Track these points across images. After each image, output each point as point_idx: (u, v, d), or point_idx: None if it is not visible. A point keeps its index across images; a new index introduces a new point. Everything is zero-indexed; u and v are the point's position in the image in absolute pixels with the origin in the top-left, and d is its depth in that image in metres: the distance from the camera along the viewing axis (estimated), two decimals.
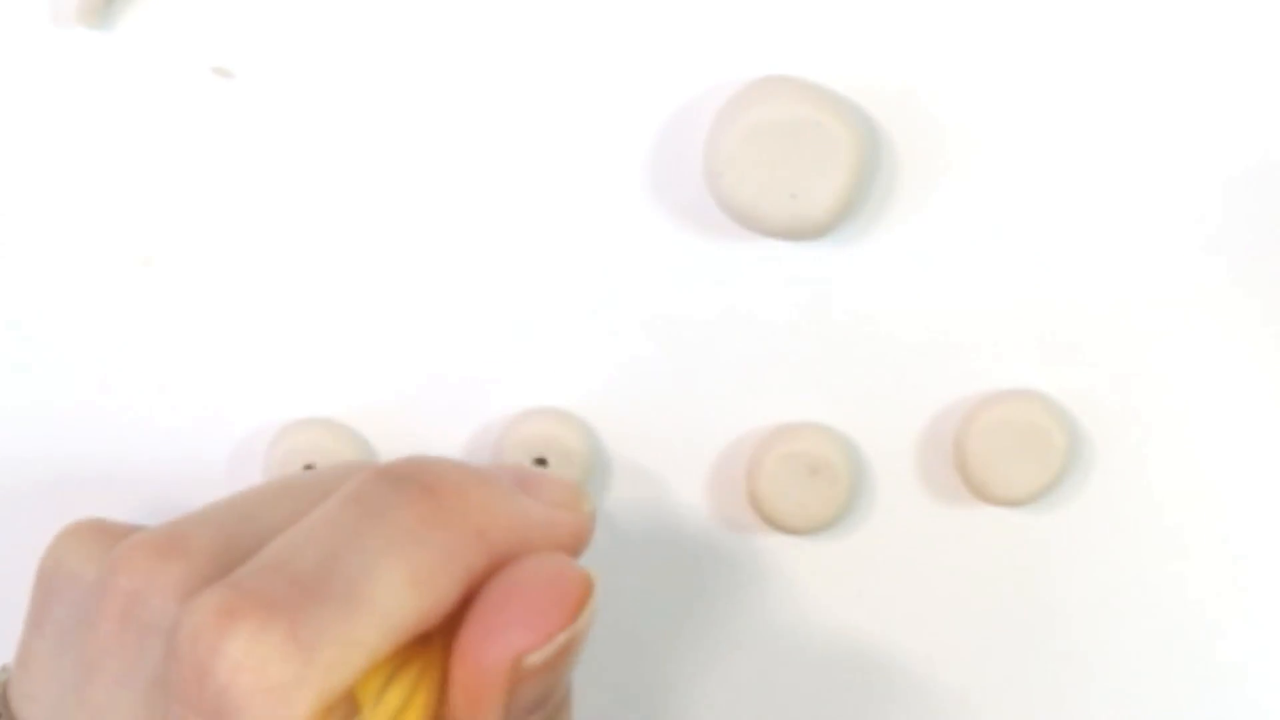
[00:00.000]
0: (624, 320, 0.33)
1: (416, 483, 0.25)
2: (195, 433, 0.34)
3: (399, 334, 0.33)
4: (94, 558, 0.27)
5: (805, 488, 0.33)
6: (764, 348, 0.33)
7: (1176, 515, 0.34)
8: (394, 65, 0.32)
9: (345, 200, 0.33)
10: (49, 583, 0.28)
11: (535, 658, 0.24)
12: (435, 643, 0.25)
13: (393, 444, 0.34)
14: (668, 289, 0.33)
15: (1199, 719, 0.35)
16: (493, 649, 0.24)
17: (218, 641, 0.23)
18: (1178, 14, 0.31)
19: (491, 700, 0.24)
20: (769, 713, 0.37)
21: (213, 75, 0.32)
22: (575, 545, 0.27)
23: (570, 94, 0.32)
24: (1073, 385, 0.33)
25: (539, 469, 0.27)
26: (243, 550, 0.25)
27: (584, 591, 0.24)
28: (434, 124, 0.32)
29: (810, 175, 0.30)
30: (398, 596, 0.24)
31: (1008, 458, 0.33)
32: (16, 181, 0.33)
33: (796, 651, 0.36)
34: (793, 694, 0.36)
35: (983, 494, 0.33)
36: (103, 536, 0.28)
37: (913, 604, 0.35)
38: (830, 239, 0.32)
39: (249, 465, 0.34)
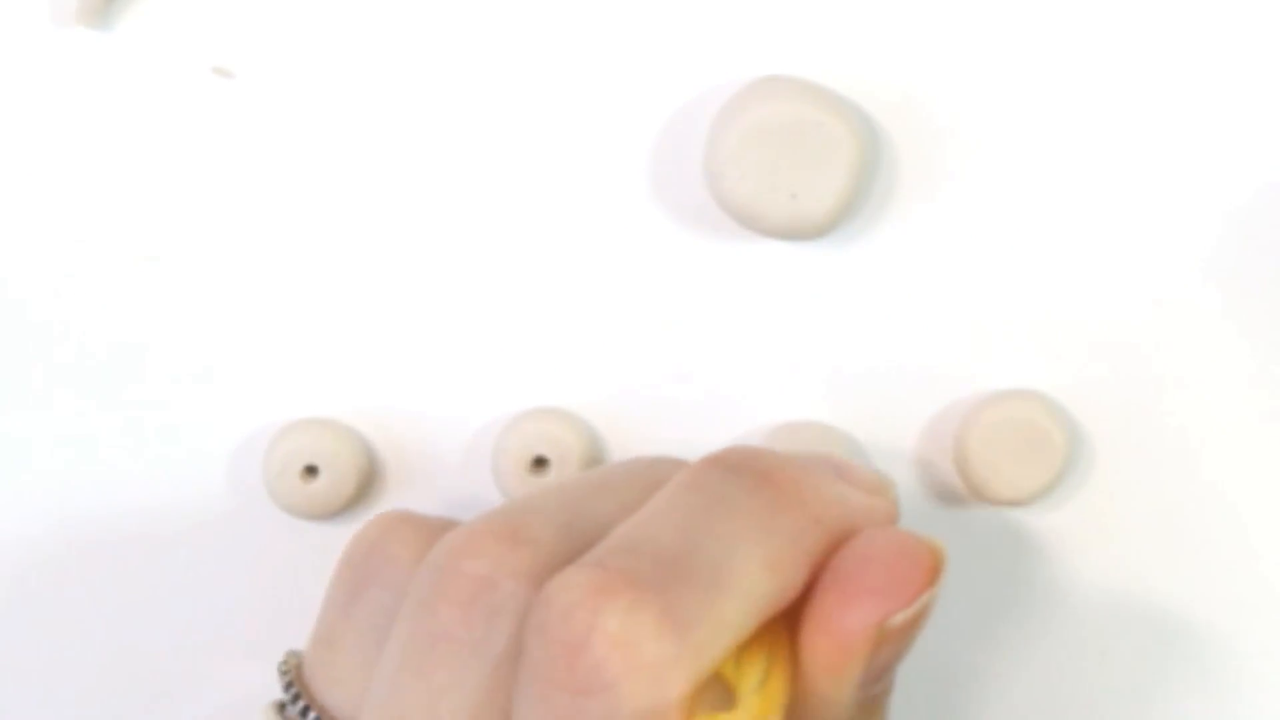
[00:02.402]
0: (624, 320, 0.33)
1: (753, 471, 0.26)
2: (195, 433, 0.34)
3: (399, 334, 0.33)
4: (413, 545, 0.28)
5: None
6: (764, 348, 0.33)
7: (1176, 515, 0.34)
8: (394, 65, 0.32)
9: (345, 200, 0.33)
10: (362, 567, 0.28)
11: (899, 619, 0.24)
12: (776, 624, 0.25)
13: (393, 444, 0.34)
14: (668, 289, 0.33)
15: (1199, 716, 0.35)
16: (857, 613, 0.24)
17: (591, 618, 0.23)
18: (1176, 14, 0.31)
19: (852, 666, 0.24)
20: None
21: (213, 75, 0.32)
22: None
23: (570, 94, 0.32)
24: (1073, 385, 0.33)
25: (848, 459, 0.28)
26: (582, 539, 0.25)
27: (937, 558, 0.25)
28: (434, 124, 0.32)
29: (810, 175, 0.30)
30: (756, 579, 0.24)
31: (1008, 458, 0.33)
32: (17, 181, 0.33)
33: None
34: None
35: (983, 494, 0.33)
36: (419, 526, 0.28)
37: None
38: (830, 239, 0.32)
39: (249, 465, 0.34)
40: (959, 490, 0.34)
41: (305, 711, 0.28)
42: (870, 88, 0.31)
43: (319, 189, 0.33)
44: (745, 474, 0.26)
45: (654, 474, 0.28)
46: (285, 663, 0.29)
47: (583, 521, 0.26)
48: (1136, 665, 0.35)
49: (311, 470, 0.33)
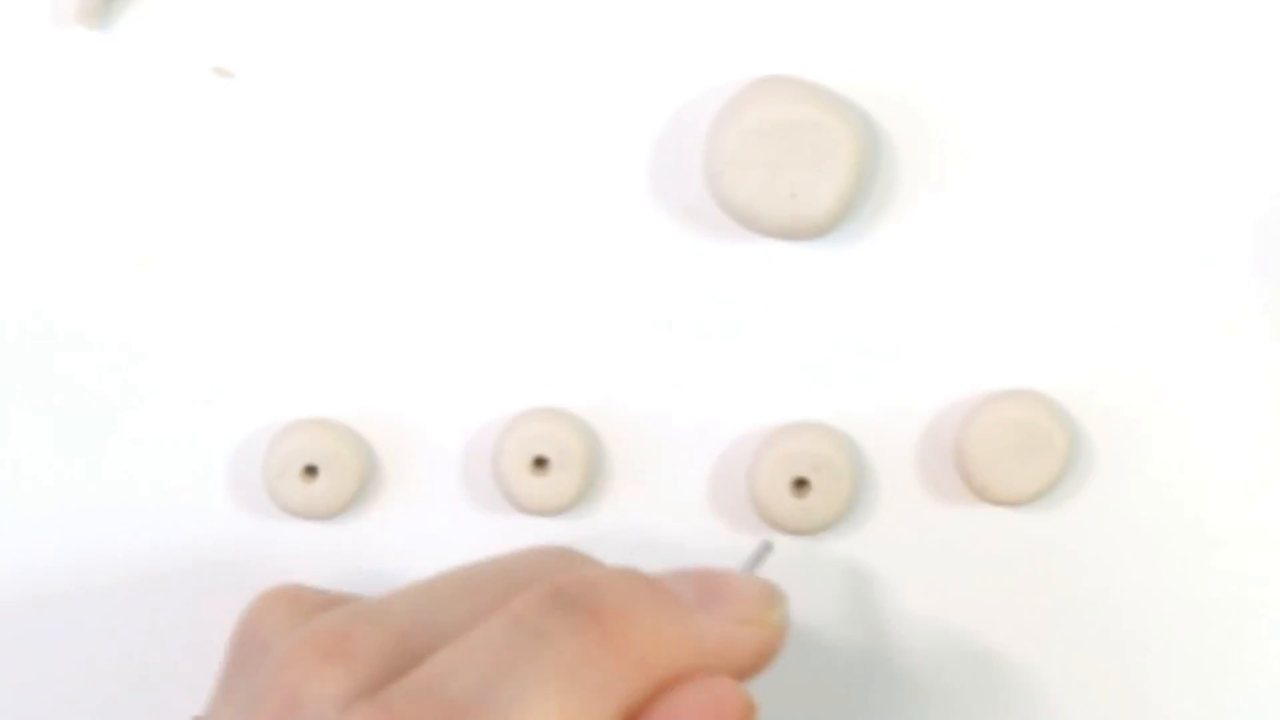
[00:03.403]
0: (624, 320, 0.33)
1: (582, 607, 0.25)
2: (195, 433, 0.34)
3: (399, 334, 0.33)
4: (282, 631, 0.27)
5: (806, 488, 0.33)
6: (764, 348, 0.33)
7: (1176, 515, 0.34)
8: (394, 65, 0.32)
9: (345, 200, 0.33)
10: (238, 650, 0.29)
11: None
12: None
13: (393, 444, 0.34)
14: (668, 289, 0.33)
15: (1199, 717, 0.35)
16: None
17: None
18: (1176, 14, 0.31)
19: None
20: (767, 713, 0.37)
21: (213, 75, 0.32)
22: (757, 661, 0.26)
23: (570, 94, 0.32)
24: (1073, 385, 0.33)
25: (731, 573, 0.27)
26: (412, 653, 0.25)
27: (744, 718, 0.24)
28: (434, 124, 0.32)
29: (810, 175, 0.30)
30: None
31: (1008, 458, 0.33)
32: (16, 181, 0.33)
33: (796, 651, 0.36)
34: (792, 693, 0.36)
35: (983, 494, 0.33)
36: (294, 610, 0.28)
37: (913, 604, 0.35)
38: (830, 239, 0.32)
39: (249, 465, 0.34)
40: (959, 490, 0.34)
41: None
42: (870, 88, 0.31)
43: (319, 189, 0.33)
44: (572, 610, 0.25)
45: (520, 580, 0.27)
46: None
47: (422, 632, 0.26)
48: (1136, 665, 0.35)
49: (311, 470, 0.33)
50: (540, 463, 0.33)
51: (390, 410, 0.34)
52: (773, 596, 0.27)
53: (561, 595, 0.25)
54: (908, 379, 0.33)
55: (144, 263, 0.33)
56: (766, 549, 0.30)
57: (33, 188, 0.33)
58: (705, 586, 0.27)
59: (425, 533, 0.34)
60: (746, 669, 0.26)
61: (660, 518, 0.35)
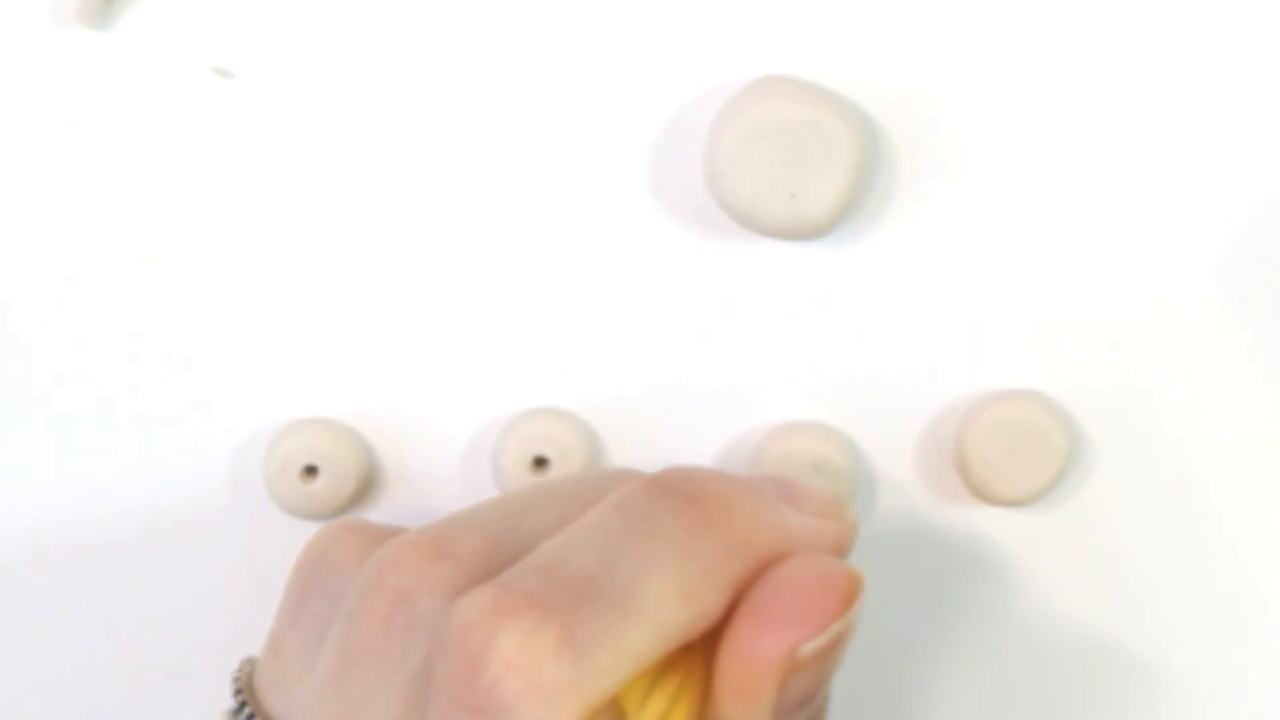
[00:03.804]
0: (624, 320, 0.33)
1: (683, 493, 0.25)
2: (195, 433, 0.34)
3: (399, 334, 0.33)
4: (356, 554, 0.28)
5: None
6: (764, 348, 0.33)
7: (1176, 515, 0.34)
8: (394, 66, 0.32)
9: (345, 200, 0.33)
10: (309, 576, 0.29)
11: (810, 647, 0.24)
12: (696, 650, 0.25)
13: (393, 444, 0.34)
14: (668, 289, 0.33)
15: (1199, 716, 0.35)
16: (767, 641, 0.24)
17: (490, 638, 0.23)
18: (1176, 14, 0.31)
19: (763, 694, 0.24)
20: None
21: (213, 75, 0.32)
22: (837, 553, 0.27)
23: (570, 94, 0.32)
24: (1073, 385, 0.33)
25: (803, 480, 0.28)
26: (508, 554, 0.25)
27: (853, 585, 0.25)
28: (434, 124, 0.32)
29: (810, 175, 0.30)
30: (668, 606, 0.24)
31: (1008, 458, 0.33)
32: (16, 181, 0.33)
33: None
34: None
35: (983, 494, 0.33)
36: (366, 534, 0.28)
37: (912, 604, 0.35)
38: (830, 239, 0.32)
39: (249, 465, 0.34)
40: (959, 490, 0.34)
41: (250, 717, 0.28)
42: (870, 88, 0.31)
43: (319, 189, 0.33)
44: (674, 495, 0.25)
45: (599, 488, 0.27)
46: (239, 670, 0.29)
47: (514, 536, 0.26)
48: (1136, 665, 0.35)
49: (311, 470, 0.33)
50: (540, 462, 0.33)
51: (390, 410, 0.34)
52: (842, 499, 0.27)
53: (661, 484, 0.26)
54: (908, 379, 0.33)
55: (144, 262, 0.33)
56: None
57: (33, 187, 0.33)
58: (783, 486, 0.27)
59: None
60: None
61: None
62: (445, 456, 0.34)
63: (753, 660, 0.24)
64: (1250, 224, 0.32)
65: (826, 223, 0.31)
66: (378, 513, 0.34)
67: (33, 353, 0.34)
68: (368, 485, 0.34)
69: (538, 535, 0.26)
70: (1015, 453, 0.33)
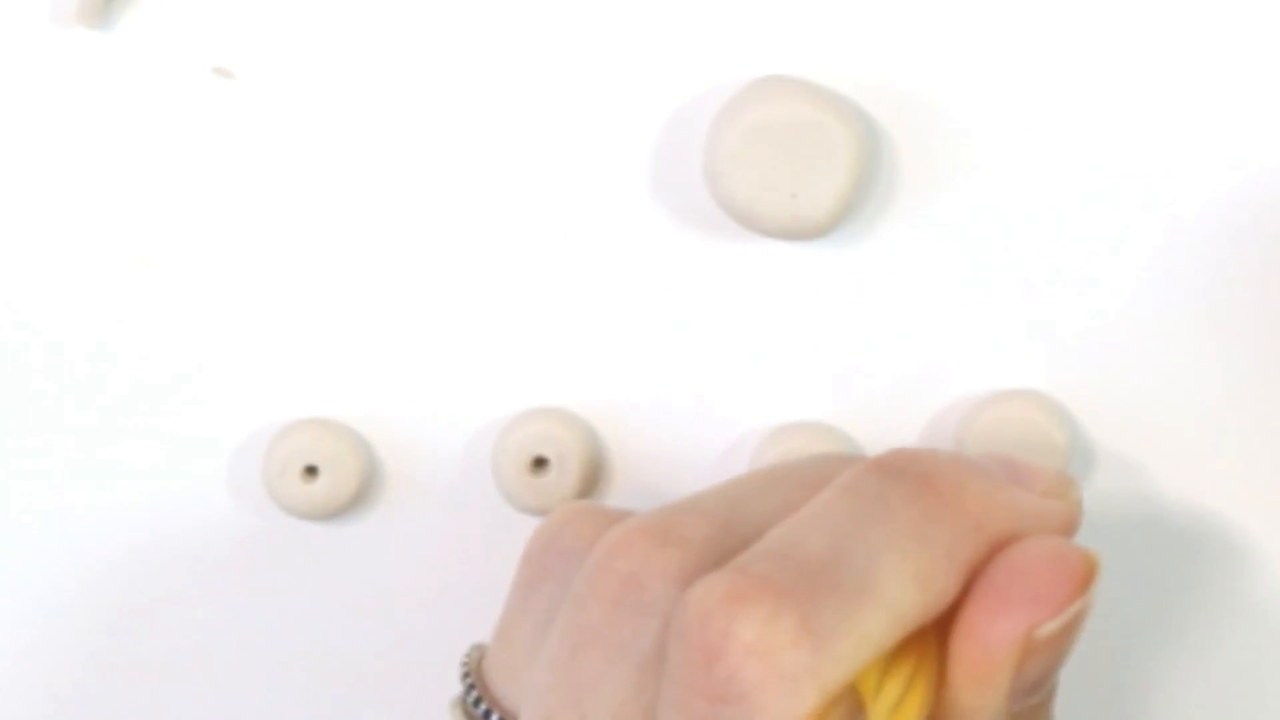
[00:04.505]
0: (624, 320, 0.33)
1: (913, 475, 0.25)
2: (195, 433, 0.34)
3: (399, 334, 0.33)
4: (586, 539, 0.27)
5: None
6: (764, 348, 0.33)
7: (1177, 516, 0.34)
8: (394, 65, 0.32)
9: (345, 200, 0.33)
10: (540, 561, 0.28)
11: (1048, 629, 0.24)
12: (928, 635, 0.25)
13: (393, 444, 0.34)
14: (668, 289, 0.33)
15: (1199, 718, 0.35)
16: (1004, 624, 0.24)
17: (729, 625, 0.23)
18: (1177, 14, 0.31)
19: (1000, 678, 0.24)
20: None
21: (213, 75, 0.32)
22: (1066, 533, 0.27)
23: (570, 94, 0.32)
24: (1073, 385, 0.33)
25: (1026, 459, 0.28)
26: (737, 540, 0.25)
27: (1090, 567, 0.25)
28: (434, 124, 0.32)
29: (810, 175, 0.30)
30: (904, 591, 0.24)
31: None
32: (16, 181, 0.33)
33: None
34: None
35: None
36: (597, 519, 0.28)
37: None
38: (830, 239, 0.32)
39: (249, 465, 0.34)
40: None
41: (478, 703, 0.28)
42: (870, 88, 0.31)
43: (319, 189, 0.33)
44: (906, 478, 0.25)
45: (821, 473, 0.27)
46: (467, 656, 0.29)
47: (742, 520, 0.26)
48: (1135, 666, 0.35)
49: (311, 470, 0.33)
50: (540, 463, 0.33)
51: (390, 410, 0.34)
52: (1068, 478, 0.27)
53: (890, 466, 0.25)
54: (908, 379, 0.33)
55: (144, 262, 0.33)
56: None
57: (32, 187, 0.33)
58: (1010, 466, 0.27)
59: (425, 533, 0.34)
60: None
61: None
62: (445, 456, 0.34)
63: (989, 643, 0.24)
64: (1250, 224, 0.32)
65: (826, 223, 0.31)
66: (377, 513, 0.34)
67: (31, 352, 0.34)
68: (368, 485, 0.34)
69: (764, 521, 0.25)
70: (1015, 453, 0.33)
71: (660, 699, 0.24)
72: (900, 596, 0.24)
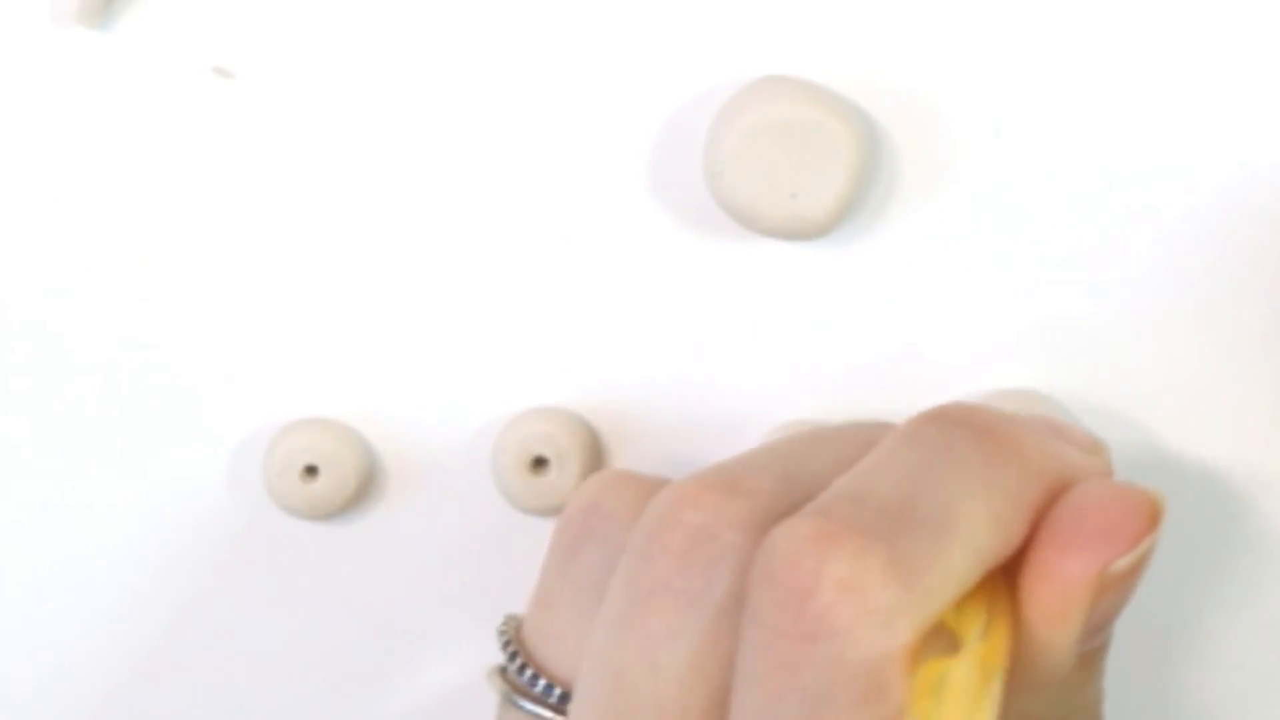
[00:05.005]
0: (624, 320, 0.33)
1: (973, 425, 0.25)
2: (195, 433, 0.34)
3: (399, 333, 0.33)
4: (630, 501, 0.28)
5: None
6: (764, 348, 0.33)
7: (1177, 516, 0.34)
8: (394, 65, 0.32)
9: (345, 200, 0.33)
10: (579, 526, 0.28)
11: (1121, 564, 0.24)
12: (996, 580, 0.25)
13: (393, 444, 0.34)
14: (668, 289, 0.33)
15: (1198, 717, 0.35)
16: (1078, 560, 0.24)
17: (819, 565, 0.23)
18: (1178, 14, 0.31)
19: (1075, 614, 0.25)
20: None
21: (213, 75, 0.32)
22: None
23: (570, 94, 0.32)
24: (1072, 385, 0.33)
25: (1063, 420, 0.28)
26: (801, 492, 0.25)
27: (1156, 505, 0.25)
28: (434, 124, 0.32)
29: (810, 175, 0.30)
30: (982, 529, 0.24)
31: None
32: (16, 181, 0.33)
33: None
34: None
35: None
36: (637, 483, 0.28)
37: None
38: (830, 239, 0.32)
39: (249, 465, 0.34)
40: None
41: (523, 669, 0.28)
42: (870, 88, 0.31)
43: (319, 189, 0.33)
44: (966, 428, 0.25)
45: (868, 433, 0.27)
46: (505, 625, 0.29)
47: (801, 475, 0.26)
48: (1135, 665, 0.35)
49: (311, 470, 0.33)
50: (540, 463, 0.33)
51: (390, 410, 0.34)
52: (1099, 440, 0.28)
53: (950, 417, 0.26)
54: (908, 379, 0.33)
55: (144, 262, 0.33)
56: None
57: (33, 187, 0.33)
58: (1051, 424, 0.27)
59: (425, 533, 0.34)
60: None
61: None
62: (445, 456, 0.34)
63: (1063, 581, 0.24)
64: (1249, 224, 0.32)
65: (826, 223, 0.31)
66: (377, 513, 0.34)
67: (32, 352, 0.34)
68: (368, 485, 0.34)
69: (822, 476, 0.26)
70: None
71: (743, 643, 0.24)
72: (978, 535, 0.24)
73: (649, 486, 0.28)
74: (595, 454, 0.34)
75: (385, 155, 0.32)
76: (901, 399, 0.34)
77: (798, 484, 0.26)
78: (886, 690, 0.23)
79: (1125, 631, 0.34)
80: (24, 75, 0.32)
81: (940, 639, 0.24)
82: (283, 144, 0.32)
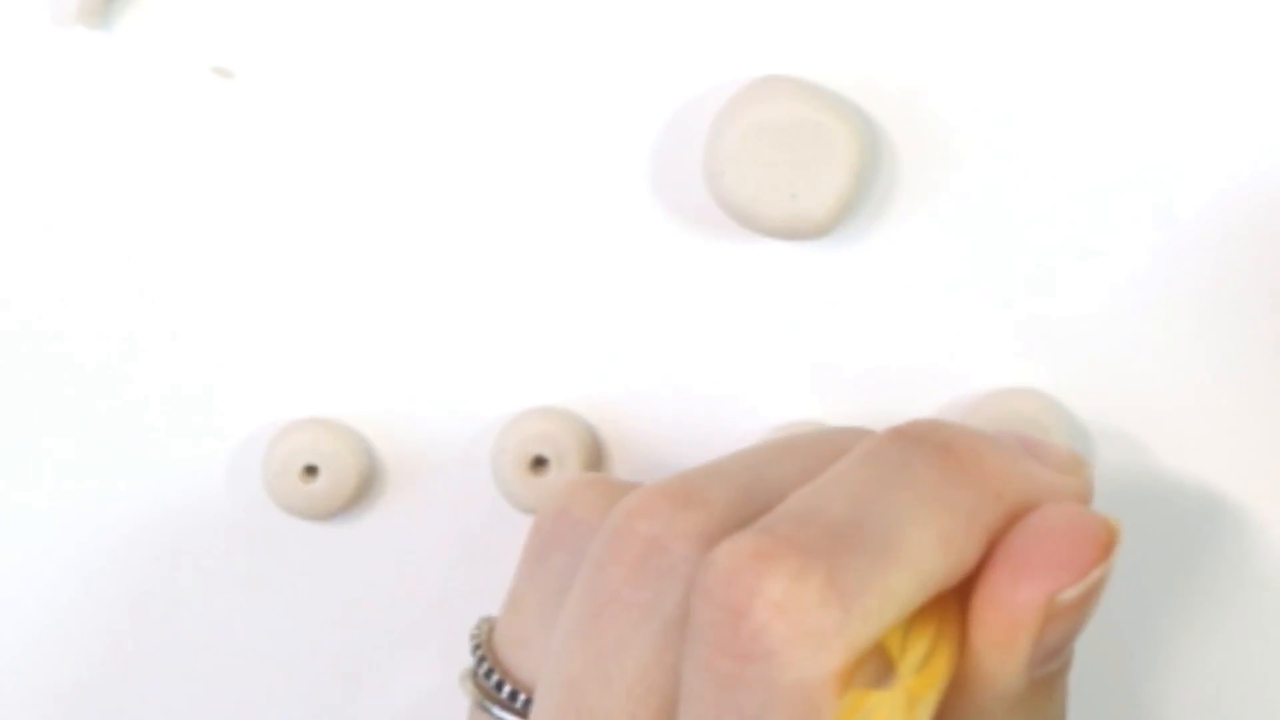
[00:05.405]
0: (624, 320, 0.33)
1: (934, 443, 0.25)
2: (195, 433, 0.34)
3: (399, 333, 0.33)
4: (598, 508, 0.28)
5: None
6: (764, 348, 0.33)
7: (1177, 515, 0.34)
8: (394, 65, 0.32)
9: (345, 200, 0.33)
10: (551, 531, 0.28)
11: (1070, 593, 0.24)
12: (947, 601, 0.25)
13: (393, 444, 0.34)
14: (668, 289, 0.33)
15: (1199, 717, 0.35)
16: (1026, 588, 0.24)
17: (755, 583, 0.22)
18: (1178, 14, 0.31)
19: (1022, 642, 0.24)
20: None
21: (213, 75, 0.32)
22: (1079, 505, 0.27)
23: (570, 94, 0.32)
24: (1073, 385, 0.33)
25: (1039, 437, 0.28)
26: (757, 504, 0.25)
27: (1111, 533, 0.25)
28: (434, 124, 0.32)
29: (810, 175, 0.30)
30: (928, 552, 0.24)
31: None
32: (16, 181, 0.33)
33: None
34: None
35: None
36: (606, 489, 0.28)
37: None
38: (830, 239, 0.32)
39: (249, 465, 0.34)
40: None
41: (489, 674, 0.28)
42: (870, 88, 0.31)
43: (319, 189, 0.33)
44: (926, 445, 0.25)
45: (839, 442, 0.27)
46: (477, 629, 0.29)
47: (761, 486, 0.26)
48: (1135, 665, 0.35)
49: (311, 470, 0.33)
50: (539, 462, 0.33)
51: (390, 410, 0.34)
52: (1081, 456, 0.27)
53: (910, 435, 0.25)
54: (908, 379, 0.33)
55: (143, 262, 0.33)
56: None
57: (32, 187, 0.33)
58: (1025, 441, 0.27)
59: (425, 532, 0.34)
60: None
61: None
62: (445, 456, 0.34)
63: (1012, 608, 0.24)
64: (1248, 222, 0.32)
65: (826, 223, 0.31)
66: (377, 513, 0.34)
67: (32, 353, 0.34)
68: (368, 485, 0.34)
69: (783, 487, 0.25)
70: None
71: (685, 659, 0.24)
72: (925, 558, 0.24)
73: (620, 492, 0.27)
74: (595, 454, 0.34)
75: (385, 155, 0.32)
76: (901, 399, 0.34)
77: (758, 495, 0.26)
78: (819, 714, 0.22)
79: (1118, 635, 0.34)
80: (24, 75, 0.32)
81: (878, 663, 0.23)
82: (282, 144, 0.32)
